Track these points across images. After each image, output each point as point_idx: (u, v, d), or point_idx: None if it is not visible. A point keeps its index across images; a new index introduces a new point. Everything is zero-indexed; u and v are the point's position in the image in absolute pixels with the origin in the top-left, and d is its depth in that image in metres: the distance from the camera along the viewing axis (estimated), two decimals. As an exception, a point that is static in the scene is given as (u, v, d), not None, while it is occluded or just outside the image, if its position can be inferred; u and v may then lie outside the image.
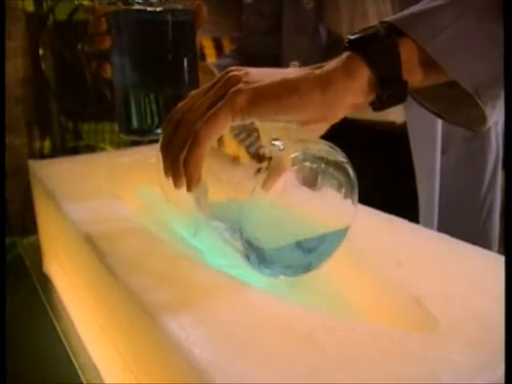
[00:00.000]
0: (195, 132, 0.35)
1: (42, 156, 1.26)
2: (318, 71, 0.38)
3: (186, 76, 0.49)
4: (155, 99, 0.49)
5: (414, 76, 0.39)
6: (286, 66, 0.69)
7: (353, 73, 0.37)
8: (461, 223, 0.69)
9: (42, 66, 1.24)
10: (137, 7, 0.46)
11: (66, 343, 0.50)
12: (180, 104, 0.38)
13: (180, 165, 0.36)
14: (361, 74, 0.37)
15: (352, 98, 0.38)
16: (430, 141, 0.62)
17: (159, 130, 0.49)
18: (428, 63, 0.39)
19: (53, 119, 1.31)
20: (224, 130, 0.36)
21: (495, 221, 0.72)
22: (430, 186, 0.63)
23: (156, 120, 0.49)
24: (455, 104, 0.44)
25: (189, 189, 0.36)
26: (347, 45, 0.39)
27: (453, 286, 0.35)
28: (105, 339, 0.43)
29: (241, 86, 0.36)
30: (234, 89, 0.36)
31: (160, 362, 0.32)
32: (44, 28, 1.24)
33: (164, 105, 0.49)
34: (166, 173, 0.38)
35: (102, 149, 1.32)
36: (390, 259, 0.39)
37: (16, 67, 1.19)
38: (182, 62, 0.49)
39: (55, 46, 1.27)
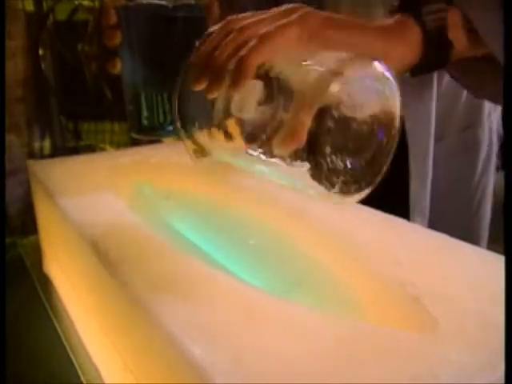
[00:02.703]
0: (262, 35, 0.34)
1: (42, 156, 1.26)
2: (377, 22, 0.41)
3: None
4: (167, 96, 0.48)
5: (458, 42, 0.42)
6: None
7: (406, 28, 0.41)
8: (452, 213, 0.70)
9: (42, 66, 1.24)
10: (148, 1, 0.45)
11: (66, 343, 0.50)
12: (230, 18, 0.37)
13: (224, 66, 0.34)
14: (412, 30, 0.41)
15: (402, 51, 0.40)
16: (424, 128, 0.63)
17: (170, 128, 0.48)
18: (471, 33, 0.41)
19: (53, 119, 1.31)
20: (289, 47, 0.35)
21: (486, 212, 0.73)
22: (422, 173, 0.64)
23: (168, 117, 0.48)
24: (484, 77, 0.47)
25: (236, 84, 0.33)
26: (401, 4, 0.42)
27: (453, 285, 0.35)
28: (105, 339, 0.43)
29: (311, 10, 0.36)
30: (305, 10, 0.36)
31: (160, 362, 0.32)
32: (44, 28, 1.24)
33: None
34: (200, 78, 0.35)
35: (102, 149, 1.32)
36: (389, 259, 0.39)
37: (16, 67, 1.19)
38: None
39: (55, 46, 1.27)
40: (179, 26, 0.46)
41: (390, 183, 0.66)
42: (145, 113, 0.48)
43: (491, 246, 0.41)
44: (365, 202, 0.48)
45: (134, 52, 0.47)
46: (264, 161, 0.34)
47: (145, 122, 0.48)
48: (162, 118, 0.48)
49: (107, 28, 0.47)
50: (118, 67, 0.49)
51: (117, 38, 0.47)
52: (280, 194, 0.54)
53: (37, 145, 1.27)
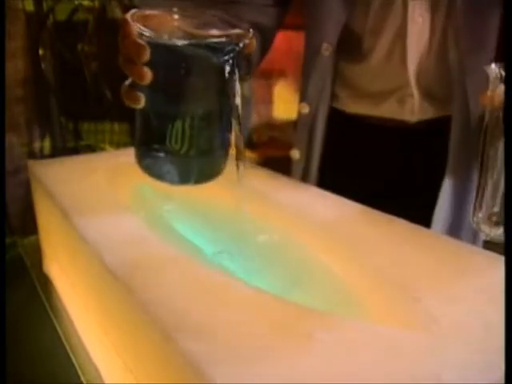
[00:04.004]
0: None
1: (42, 156, 1.26)
2: None
3: (226, 111, 0.45)
4: (189, 126, 0.45)
5: None
6: (318, 48, 0.68)
7: None
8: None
9: (42, 66, 1.24)
10: (183, 41, 0.42)
11: (65, 343, 0.50)
12: None
13: None
14: None
15: None
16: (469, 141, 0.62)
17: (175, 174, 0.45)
18: None
19: (53, 119, 1.31)
20: None
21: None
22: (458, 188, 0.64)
23: (185, 144, 0.45)
24: None
25: None
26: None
27: (453, 285, 0.35)
28: (105, 339, 0.43)
29: None
30: None
31: (160, 362, 0.32)
32: (44, 28, 1.24)
33: (196, 132, 0.45)
34: None
35: (102, 149, 1.32)
36: (390, 259, 0.39)
37: (16, 67, 1.19)
38: (225, 98, 0.44)
39: (55, 46, 1.27)
40: (218, 66, 0.42)
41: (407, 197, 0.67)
42: (160, 136, 0.45)
43: (491, 246, 0.41)
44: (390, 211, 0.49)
45: (160, 87, 0.43)
46: None
47: (157, 143, 0.45)
48: (179, 143, 0.45)
49: (138, 65, 0.42)
50: (142, 102, 0.44)
51: (148, 77, 0.43)
52: (281, 195, 0.54)
53: (37, 145, 1.27)
